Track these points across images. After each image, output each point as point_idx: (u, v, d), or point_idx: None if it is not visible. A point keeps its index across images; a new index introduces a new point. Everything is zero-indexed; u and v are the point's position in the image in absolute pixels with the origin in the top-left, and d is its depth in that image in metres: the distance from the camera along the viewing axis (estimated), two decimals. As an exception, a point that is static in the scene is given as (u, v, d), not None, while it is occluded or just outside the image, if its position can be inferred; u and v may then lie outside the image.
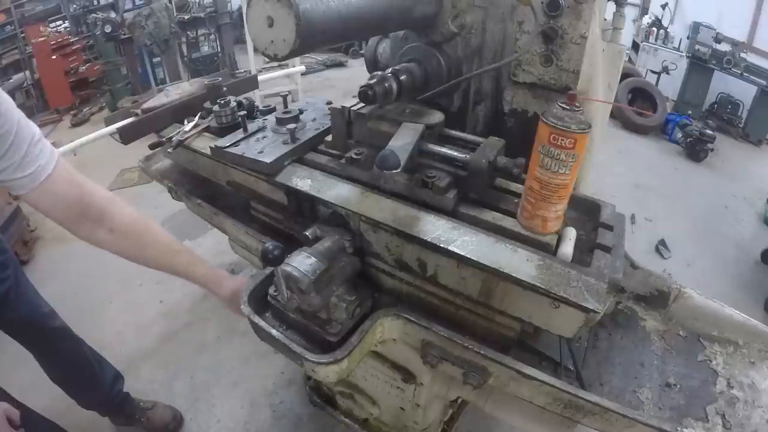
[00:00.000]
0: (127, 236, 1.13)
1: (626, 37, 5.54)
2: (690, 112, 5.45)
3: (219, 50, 5.80)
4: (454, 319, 1.07)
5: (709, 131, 4.64)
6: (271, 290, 1.09)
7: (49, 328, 1.63)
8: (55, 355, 1.69)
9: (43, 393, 1.75)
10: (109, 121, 1.57)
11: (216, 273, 1.27)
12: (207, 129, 1.46)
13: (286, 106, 1.45)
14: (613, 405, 0.87)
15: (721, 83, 5.48)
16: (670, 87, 5.85)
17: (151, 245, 1.19)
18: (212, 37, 5.76)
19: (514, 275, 0.84)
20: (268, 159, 1.16)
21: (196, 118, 1.52)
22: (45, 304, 1.66)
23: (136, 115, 1.55)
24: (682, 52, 5.77)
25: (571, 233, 0.94)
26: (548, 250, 0.90)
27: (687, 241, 3.48)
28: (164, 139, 1.46)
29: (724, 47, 5.28)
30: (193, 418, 2.08)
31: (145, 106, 1.59)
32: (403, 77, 1.11)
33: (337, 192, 1.09)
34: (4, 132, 0.91)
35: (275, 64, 4.66)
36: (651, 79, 5.91)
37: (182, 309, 2.67)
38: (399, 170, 0.88)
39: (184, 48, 5.52)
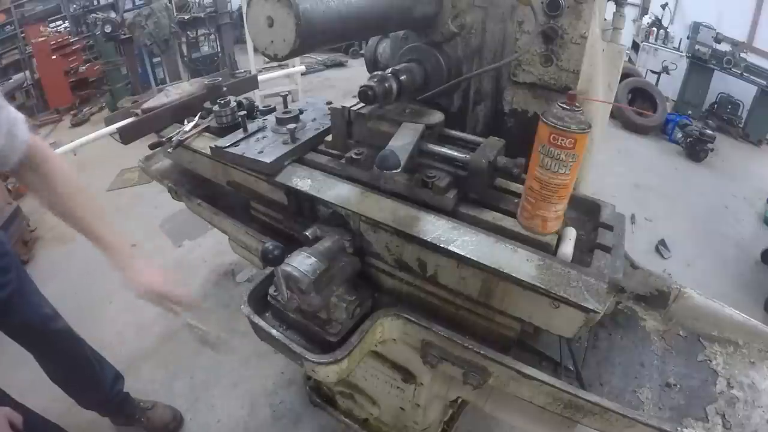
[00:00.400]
0: (44, 177, 1.15)
1: (626, 37, 5.53)
2: (690, 112, 5.44)
3: (219, 50, 5.79)
4: (454, 319, 1.07)
5: (709, 131, 4.64)
6: (271, 290, 1.09)
7: (52, 330, 1.62)
8: (56, 356, 1.69)
9: (43, 393, 1.75)
10: (109, 121, 1.57)
11: (122, 247, 1.21)
12: (207, 129, 1.46)
13: (286, 106, 1.45)
14: (613, 405, 0.87)
15: (721, 83, 5.47)
16: (670, 87, 5.85)
17: (60, 191, 1.17)
18: (212, 37, 5.75)
19: (514, 275, 0.84)
20: (268, 159, 1.16)
21: (196, 118, 1.52)
22: (48, 305, 1.64)
23: (136, 115, 1.55)
24: (682, 52, 5.76)
25: (571, 233, 0.94)
26: (548, 250, 0.90)
27: (687, 241, 3.47)
28: (164, 139, 1.46)
29: (724, 47, 5.27)
30: (193, 418, 2.08)
31: (145, 106, 1.59)
32: (403, 77, 1.11)
33: (337, 192, 1.09)
34: None
35: (275, 64, 4.66)
36: (651, 79, 5.91)
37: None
38: (399, 170, 0.88)
39: (184, 48, 5.52)
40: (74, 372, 1.75)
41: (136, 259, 1.22)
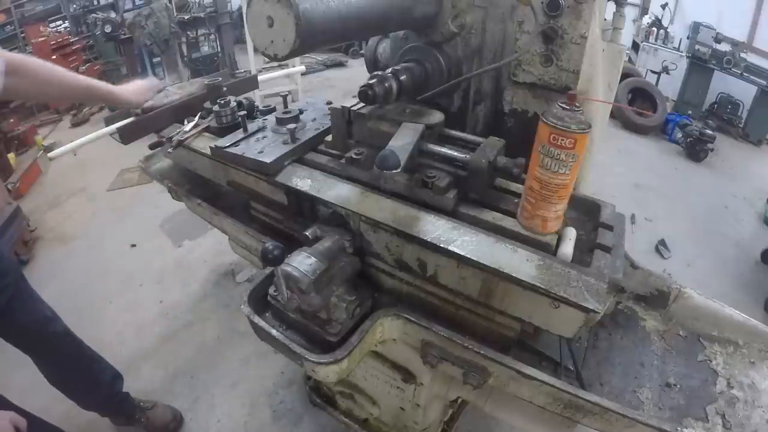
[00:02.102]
0: (27, 73, 1.24)
1: (626, 37, 5.54)
2: (690, 112, 5.44)
3: (219, 50, 5.79)
4: (454, 319, 1.07)
5: (709, 131, 4.64)
6: (271, 290, 1.09)
7: (51, 333, 1.61)
8: (55, 358, 1.68)
9: (42, 393, 1.75)
10: (109, 121, 1.57)
11: (108, 86, 1.45)
12: (207, 129, 1.46)
13: (286, 106, 1.45)
14: (613, 405, 0.87)
15: (721, 83, 5.47)
16: (670, 87, 5.85)
17: (44, 73, 1.29)
18: (212, 37, 5.75)
19: (514, 275, 0.84)
20: (268, 159, 1.16)
21: (196, 118, 1.52)
22: (47, 308, 1.63)
23: (136, 115, 1.55)
24: (682, 52, 5.76)
25: (571, 233, 0.94)
26: (548, 250, 0.90)
27: (687, 241, 3.47)
28: (164, 139, 1.46)
29: (724, 47, 5.27)
30: (193, 418, 2.08)
31: (145, 106, 1.59)
32: (403, 77, 1.11)
33: (337, 192, 1.09)
34: None
35: (275, 64, 4.66)
36: (651, 79, 5.91)
37: (182, 309, 2.67)
38: (399, 170, 0.88)
39: (184, 48, 5.52)
40: (73, 374, 1.75)
41: (119, 86, 1.50)
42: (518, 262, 0.86)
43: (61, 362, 1.70)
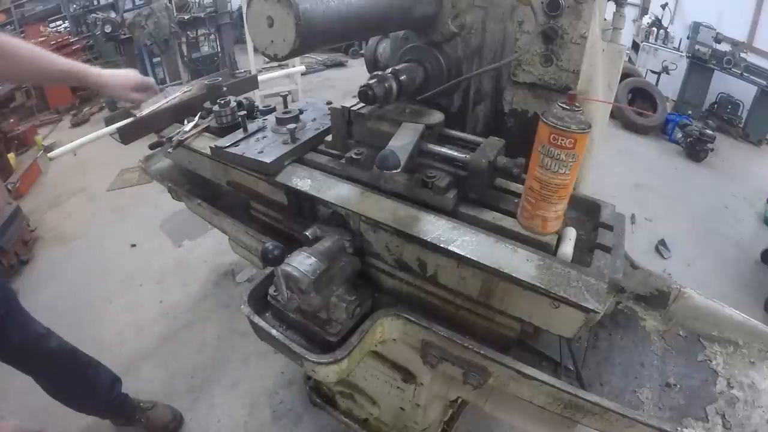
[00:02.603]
0: (7, 54, 1.22)
1: (626, 37, 5.54)
2: (690, 112, 5.44)
3: (219, 50, 5.78)
4: (454, 319, 1.07)
5: (709, 131, 4.64)
6: (271, 290, 1.09)
7: (45, 350, 1.60)
8: (51, 372, 1.67)
9: (42, 395, 1.74)
10: (109, 121, 1.57)
11: (92, 69, 1.41)
12: (207, 129, 1.46)
13: (286, 106, 1.45)
14: (613, 405, 0.87)
15: (721, 83, 5.47)
16: (670, 87, 5.85)
17: (27, 56, 1.28)
18: (212, 37, 5.74)
19: (514, 275, 0.84)
20: (268, 159, 1.16)
21: (196, 118, 1.52)
22: (39, 325, 1.62)
23: (136, 115, 1.55)
24: (682, 52, 5.76)
25: (571, 233, 0.94)
26: (548, 250, 0.90)
27: (687, 241, 3.47)
28: (164, 139, 1.46)
29: (724, 47, 5.27)
30: (193, 418, 2.08)
31: (145, 106, 1.58)
32: (403, 77, 1.11)
33: (337, 192, 1.09)
34: None
35: (275, 64, 4.65)
36: (651, 79, 5.91)
37: (182, 309, 2.67)
38: (399, 170, 0.88)
39: (184, 48, 5.51)
40: (70, 384, 1.74)
41: (105, 70, 1.44)
42: (518, 262, 0.86)
43: (56, 375, 1.69)
